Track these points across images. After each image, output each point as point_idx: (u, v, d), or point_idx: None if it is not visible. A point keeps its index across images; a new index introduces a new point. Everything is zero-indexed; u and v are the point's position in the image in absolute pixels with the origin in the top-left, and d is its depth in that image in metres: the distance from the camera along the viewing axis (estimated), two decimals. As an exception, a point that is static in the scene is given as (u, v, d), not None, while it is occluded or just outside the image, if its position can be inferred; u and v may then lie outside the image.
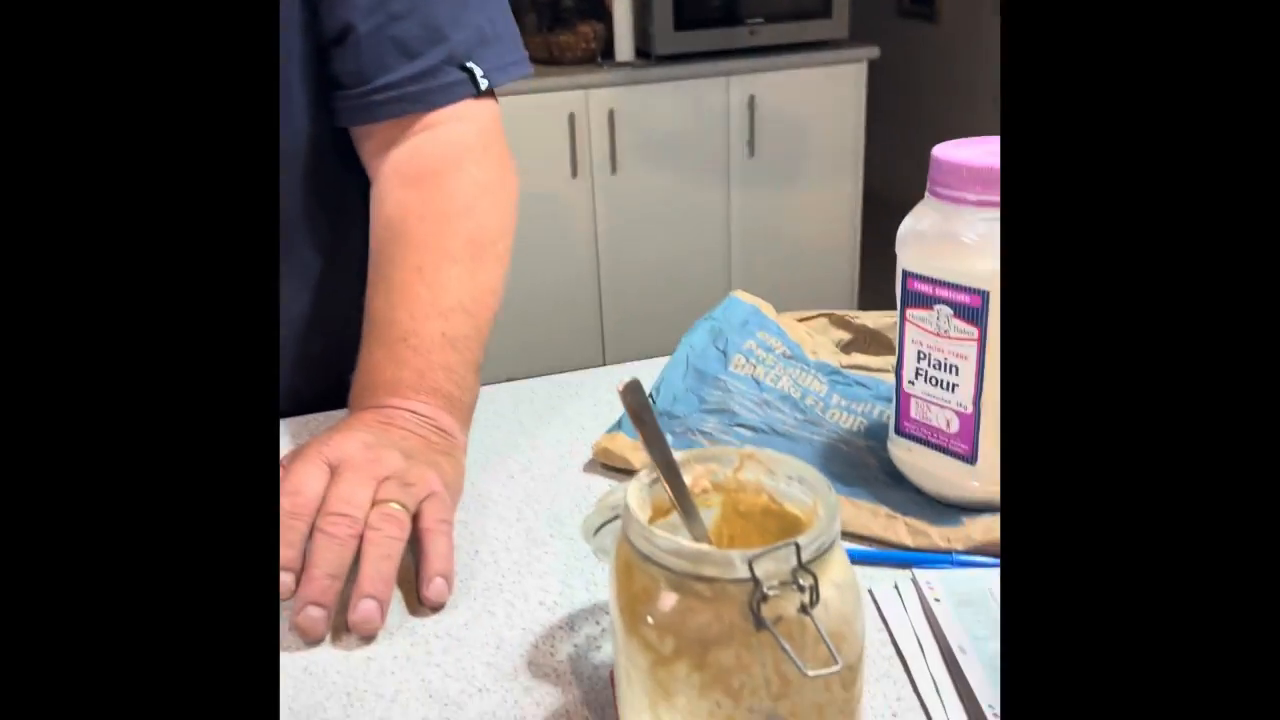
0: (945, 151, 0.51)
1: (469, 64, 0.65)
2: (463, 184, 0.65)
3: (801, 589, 0.34)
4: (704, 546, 0.37)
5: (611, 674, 0.45)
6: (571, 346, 2.43)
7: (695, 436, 0.62)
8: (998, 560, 0.51)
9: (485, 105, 0.68)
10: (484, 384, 0.73)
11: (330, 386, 0.68)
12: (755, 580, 0.34)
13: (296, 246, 0.70)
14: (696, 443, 0.61)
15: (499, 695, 0.44)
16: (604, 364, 2.44)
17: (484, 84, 0.66)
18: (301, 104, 0.66)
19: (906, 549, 0.52)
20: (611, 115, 2.28)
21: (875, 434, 0.61)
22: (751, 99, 2.36)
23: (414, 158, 0.65)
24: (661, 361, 0.71)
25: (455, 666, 0.46)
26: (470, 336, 0.61)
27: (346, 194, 0.70)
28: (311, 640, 0.47)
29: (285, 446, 0.65)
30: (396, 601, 0.50)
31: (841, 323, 0.74)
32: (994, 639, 0.44)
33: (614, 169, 2.32)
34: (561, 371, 0.76)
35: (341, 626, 0.48)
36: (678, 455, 0.40)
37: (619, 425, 0.63)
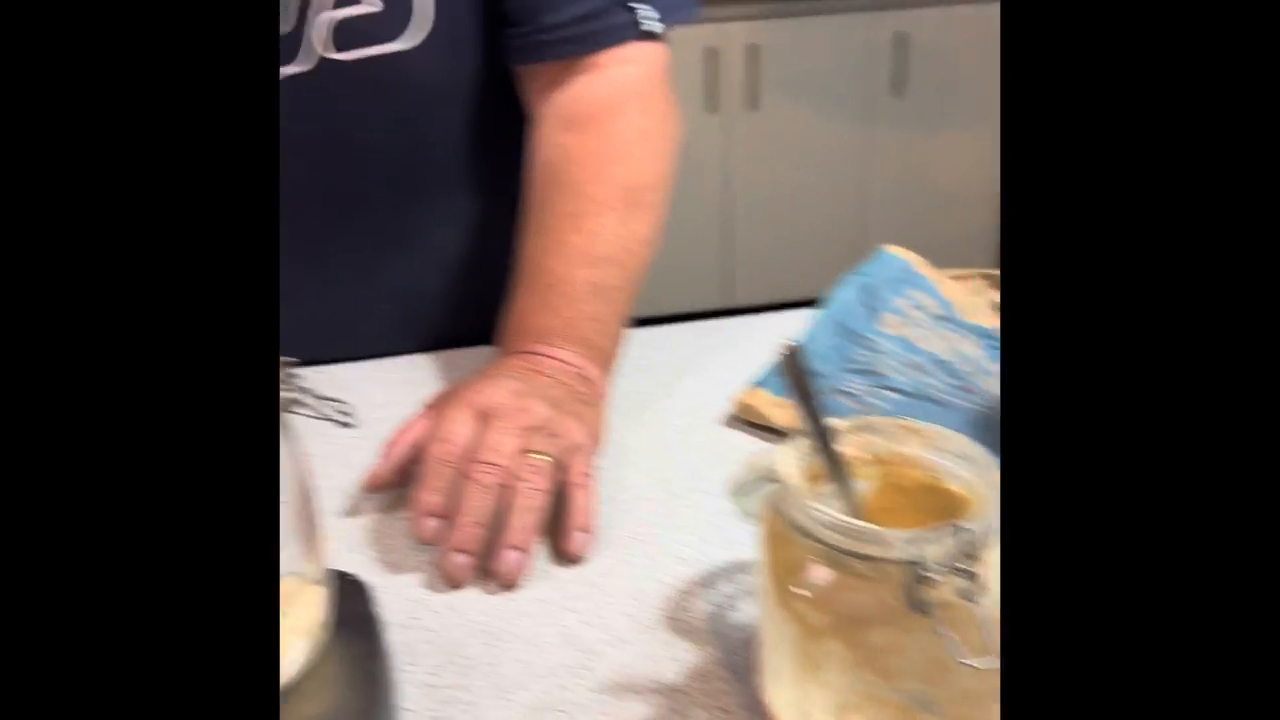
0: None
1: (637, 4, 0.64)
2: (622, 129, 0.64)
3: (966, 575, 0.32)
4: (866, 524, 0.36)
5: (754, 638, 0.44)
6: (697, 287, 2.41)
7: (840, 398, 0.60)
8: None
9: (653, 48, 0.66)
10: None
11: (480, 326, 0.69)
12: (918, 563, 0.32)
13: (454, 188, 0.70)
14: (841, 405, 0.59)
15: (637, 648, 0.45)
16: (732, 305, 2.41)
17: (653, 27, 0.64)
18: (471, 40, 0.65)
19: (1063, 529, 0.50)
20: (752, 50, 2.22)
21: (1032, 404, 0.58)
22: (901, 36, 2.25)
23: (576, 100, 0.64)
24: (799, 313, 0.69)
25: (593, 614, 0.47)
26: (620, 288, 0.60)
27: (507, 135, 0.69)
28: (456, 585, 0.48)
29: (433, 382, 0.66)
30: (536, 547, 0.51)
31: (998, 284, 0.71)
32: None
33: (753, 105, 2.26)
34: (687, 311, 0.75)
35: (484, 570, 0.49)
36: (834, 424, 0.39)
37: (762, 381, 0.61)
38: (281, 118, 0.64)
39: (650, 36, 0.65)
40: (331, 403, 0.39)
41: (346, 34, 0.60)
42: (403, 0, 0.61)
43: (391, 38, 0.61)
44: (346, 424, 0.40)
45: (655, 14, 0.64)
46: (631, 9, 0.64)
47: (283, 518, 0.39)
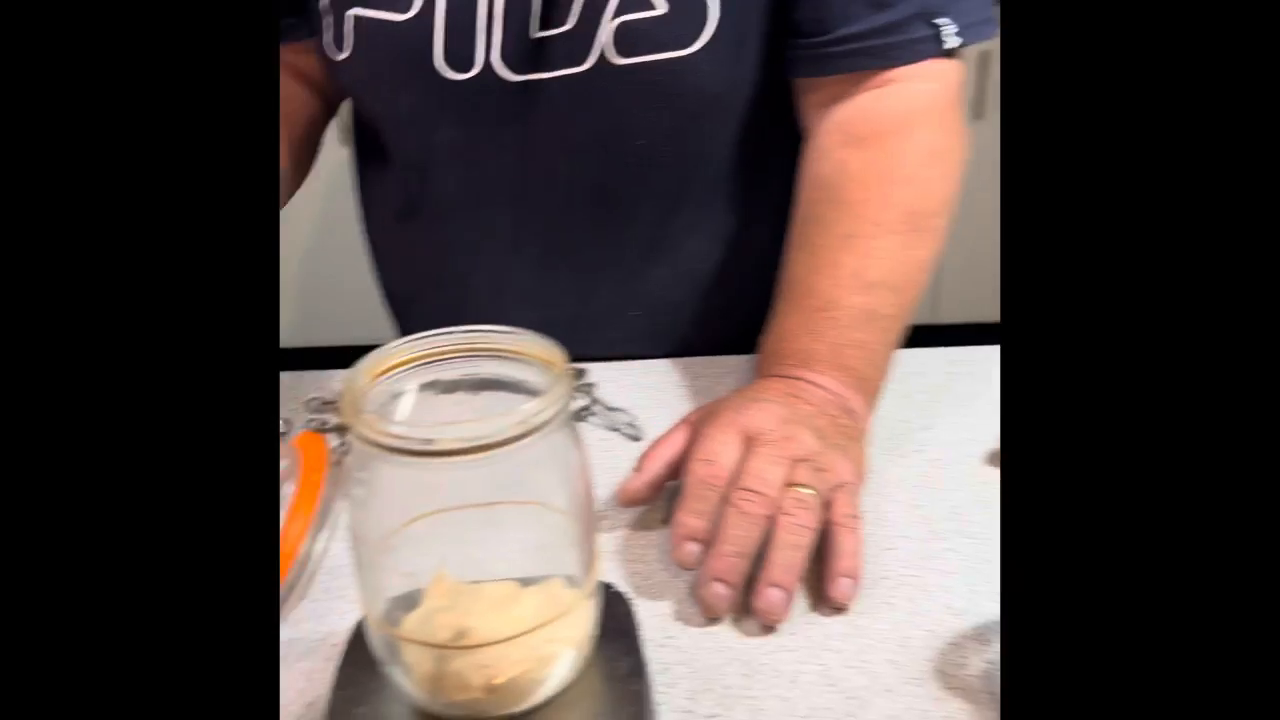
0: None
1: (940, 19, 0.60)
2: (911, 149, 0.60)
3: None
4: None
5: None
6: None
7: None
8: None
9: (949, 65, 0.62)
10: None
11: (722, 337, 0.67)
12: None
13: (715, 199, 0.68)
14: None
15: (906, 700, 0.42)
16: (937, 321, 2.31)
17: (954, 44, 0.60)
18: (755, 50, 0.63)
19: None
20: (984, 58, 2.12)
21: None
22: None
23: (862, 116, 0.61)
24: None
25: (856, 657, 0.44)
26: (892, 316, 0.57)
27: (773, 148, 0.67)
28: (713, 616, 0.46)
29: (672, 388, 0.65)
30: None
31: None
32: None
33: (980, 115, 2.16)
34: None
35: (742, 604, 0.46)
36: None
37: (1035, 419, 0.57)
38: (555, 118, 0.64)
39: (950, 54, 0.61)
40: (621, 413, 0.38)
41: (630, 37, 0.60)
42: (689, 6, 0.59)
43: (675, 43, 0.60)
44: (635, 437, 0.39)
45: (956, 28, 0.60)
46: (935, 24, 0.59)
47: (565, 526, 0.39)
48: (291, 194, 0.70)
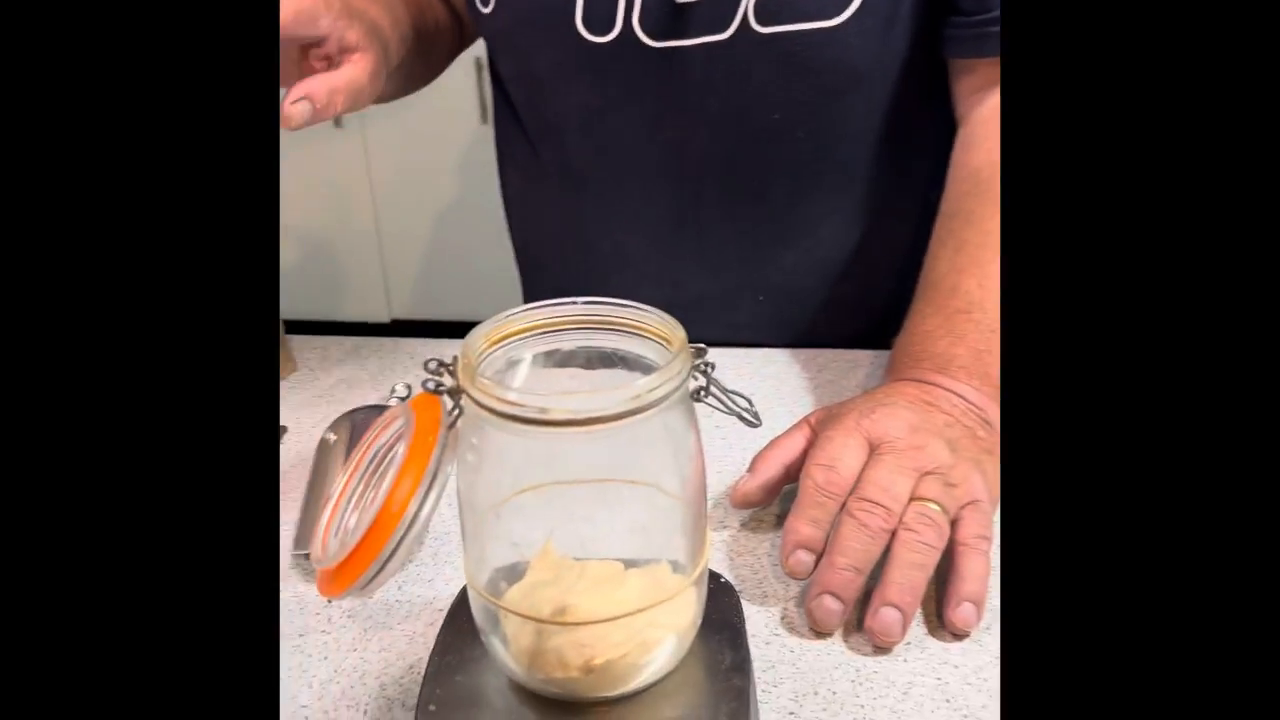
0: None
1: None
2: None
3: None
4: None
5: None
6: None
7: None
8: None
9: None
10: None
11: (847, 329, 0.64)
12: None
13: (850, 185, 0.65)
14: None
15: (1028, 726, 0.39)
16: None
17: None
18: (907, 25, 0.60)
19: None
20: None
21: None
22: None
23: None
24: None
25: (976, 675, 0.41)
26: None
27: (919, 133, 0.64)
28: (822, 631, 0.44)
29: (798, 381, 0.63)
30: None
31: None
32: None
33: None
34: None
35: (853, 621, 0.44)
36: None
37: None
38: (690, 87, 0.62)
39: None
40: (739, 397, 0.36)
41: (772, 5, 0.58)
42: None
43: (820, 13, 0.57)
44: (753, 423, 0.38)
45: None
46: None
47: (675, 509, 0.37)
48: (408, 71, 0.66)
